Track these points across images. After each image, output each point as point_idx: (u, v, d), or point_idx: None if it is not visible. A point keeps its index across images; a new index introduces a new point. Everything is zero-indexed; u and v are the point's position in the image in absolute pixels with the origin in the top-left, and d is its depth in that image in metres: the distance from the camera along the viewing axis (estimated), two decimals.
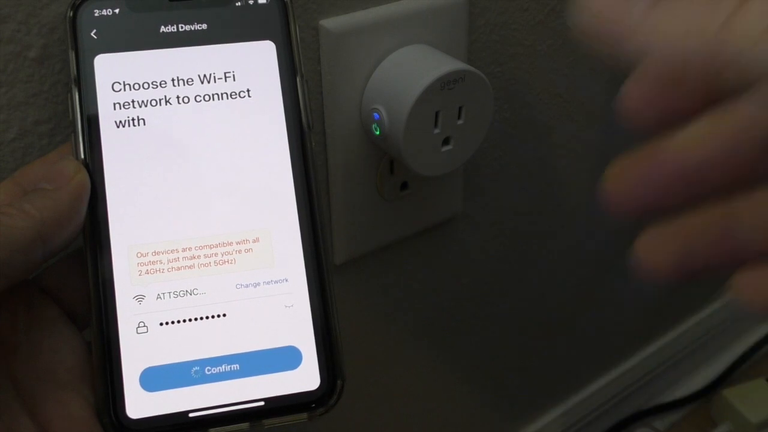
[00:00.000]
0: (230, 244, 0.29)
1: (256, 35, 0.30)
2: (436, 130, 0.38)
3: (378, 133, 0.38)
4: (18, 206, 0.25)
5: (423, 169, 0.39)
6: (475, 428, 0.67)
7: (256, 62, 0.30)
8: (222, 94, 0.30)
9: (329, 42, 0.37)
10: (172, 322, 0.28)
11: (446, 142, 0.39)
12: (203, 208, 0.29)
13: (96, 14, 0.29)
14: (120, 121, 0.29)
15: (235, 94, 0.30)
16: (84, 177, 0.27)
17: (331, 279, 0.30)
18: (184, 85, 0.29)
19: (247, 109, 0.30)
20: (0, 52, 0.29)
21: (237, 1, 0.30)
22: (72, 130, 0.28)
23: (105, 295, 0.27)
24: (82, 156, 0.28)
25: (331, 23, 0.37)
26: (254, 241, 0.29)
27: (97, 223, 0.28)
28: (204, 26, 0.30)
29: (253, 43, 0.30)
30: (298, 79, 0.30)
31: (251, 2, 0.30)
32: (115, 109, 0.29)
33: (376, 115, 0.38)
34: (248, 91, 0.30)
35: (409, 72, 0.38)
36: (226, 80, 0.30)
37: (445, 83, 0.37)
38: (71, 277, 0.29)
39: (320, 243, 0.30)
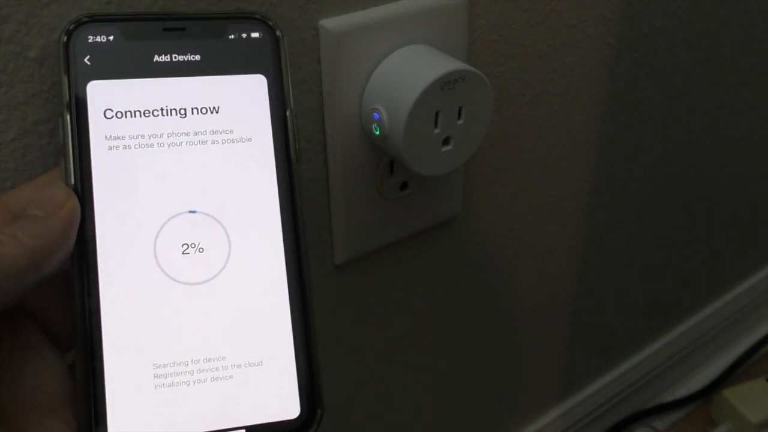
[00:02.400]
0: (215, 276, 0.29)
1: (248, 68, 0.30)
2: (436, 130, 0.38)
3: (378, 133, 0.38)
4: (10, 233, 0.25)
5: (423, 169, 0.39)
6: (476, 428, 0.67)
7: (247, 95, 0.30)
8: (212, 125, 0.30)
9: (329, 42, 0.37)
10: None
11: (446, 142, 0.39)
12: (189, 236, 0.29)
13: (90, 40, 0.29)
14: (111, 148, 0.29)
15: (226, 126, 0.30)
16: (75, 204, 0.27)
17: (312, 308, 0.30)
18: (175, 115, 0.29)
19: (236, 141, 0.30)
20: (0, 52, 0.29)
21: (230, 34, 0.30)
22: (63, 155, 0.28)
23: (91, 320, 0.27)
24: (73, 182, 0.28)
25: (331, 23, 0.37)
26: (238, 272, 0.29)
27: (86, 248, 0.28)
28: (197, 57, 0.30)
29: (245, 77, 0.30)
30: (287, 113, 0.31)
31: (244, 36, 0.30)
32: (106, 135, 0.29)
33: (376, 115, 0.38)
34: (238, 123, 0.30)
35: (409, 72, 0.38)
36: (217, 112, 0.30)
37: (445, 83, 0.37)
38: (54, 300, 0.29)
39: (304, 272, 0.30)
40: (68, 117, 0.28)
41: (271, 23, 0.31)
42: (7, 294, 0.25)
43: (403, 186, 0.44)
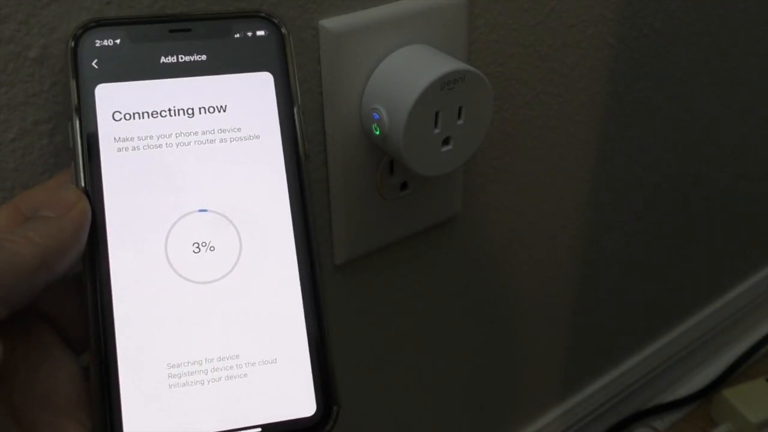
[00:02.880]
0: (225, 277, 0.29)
1: (255, 66, 0.31)
2: (436, 130, 0.38)
3: (378, 133, 0.38)
4: (22, 233, 0.25)
5: (423, 169, 0.39)
6: (476, 428, 0.67)
7: (254, 93, 0.30)
8: (220, 124, 0.30)
9: (329, 42, 0.37)
10: None
11: (446, 142, 0.39)
12: (200, 234, 0.29)
13: (97, 44, 0.29)
14: (120, 149, 0.29)
15: (233, 124, 0.30)
16: (85, 205, 0.27)
17: (325, 304, 0.30)
18: (183, 115, 0.30)
19: (245, 139, 0.30)
20: (0, 52, 0.29)
21: (236, 33, 0.30)
22: (72, 158, 0.28)
23: (104, 321, 0.27)
24: (83, 184, 0.28)
25: (331, 23, 0.37)
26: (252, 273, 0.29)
27: (97, 249, 0.28)
28: (203, 57, 0.30)
29: (252, 74, 0.31)
30: (295, 110, 0.31)
31: (250, 34, 0.31)
32: (115, 137, 0.29)
33: (376, 115, 0.38)
34: (246, 121, 0.30)
35: (409, 72, 0.38)
36: (224, 111, 0.30)
37: (445, 83, 0.37)
38: (67, 301, 0.29)
39: (316, 268, 0.30)
40: (77, 121, 0.28)
41: (276, 21, 0.31)
42: (20, 294, 0.25)
43: (403, 186, 0.44)
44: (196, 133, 0.30)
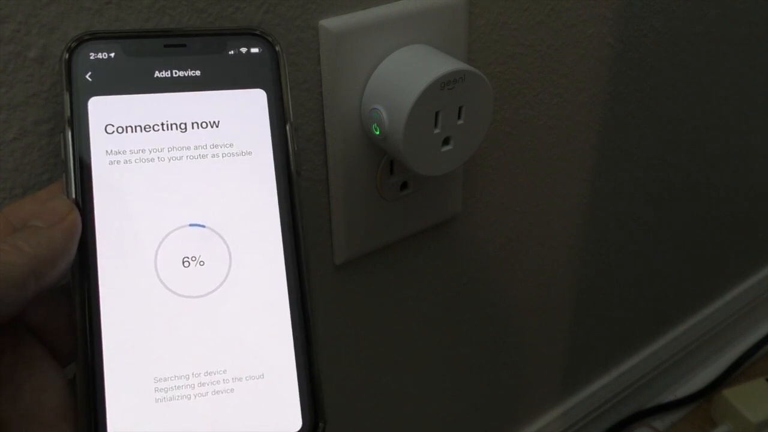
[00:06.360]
0: (216, 290, 0.29)
1: (248, 83, 0.31)
2: (436, 130, 0.38)
3: (378, 133, 0.38)
4: (12, 243, 0.25)
5: (423, 169, 0.39)
6: (476, 428, 0.67)
7: (247, 109, 0.31)
8: (212, 139, 0.30)
9: (329, 42, 0.37)
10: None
11: (446, 142, 0.39)
12: (190, 249, 0.29)
13: (91, 57, 0.29)
14: (112, 162, 0.29)
15: (226, 139, 0.30)
16: (76, 216, 0.27)
17: (314, 321, 0.30)
18: (176, 129, 0.30)
19: (236, 155, 0.30)
20: (0, 52, 0.29)
21: (230, 50, 0.31)
22: (64, 170, 0.28)
23: (91, 334, 0.27)
24: (74, 195, 0.28)
25: (331, 23, 0.37)
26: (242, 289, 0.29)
27: (86, 261, 0.28)
28: (197, 73, 0.30)
29: (245, 91, 0.31)
30: (287, 127, 0.31)
31: (244, 51, 0.31)
32: (107, 150, 0.29)
33: (376, 115, 0.38)
34: (238, 137, 0.30)
35: (409, 72, 0.38)
36: (217, 126, 0.30)
37: (445, 83, 0.37)
38: (55, 314, 0.29)
39: (305, 285, 0.30)
40: (69, 133, 0.28)
41: (270, 39, 0.31)
42: (8, 304, 0.25)
43: (403, 186, 0.44)
44: (188, 148, 0.30)
